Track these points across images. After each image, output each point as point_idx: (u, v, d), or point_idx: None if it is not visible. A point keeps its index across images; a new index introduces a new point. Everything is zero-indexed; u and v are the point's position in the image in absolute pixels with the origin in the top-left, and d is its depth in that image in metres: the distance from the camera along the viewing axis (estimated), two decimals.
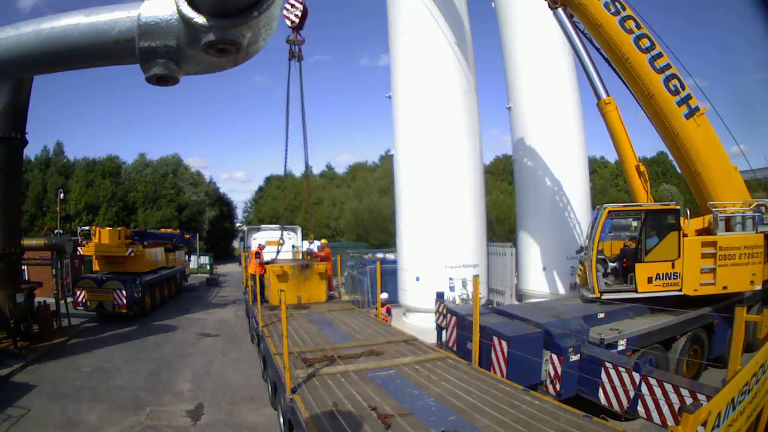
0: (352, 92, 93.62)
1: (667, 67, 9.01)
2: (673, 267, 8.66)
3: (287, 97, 12.96)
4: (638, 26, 9.08)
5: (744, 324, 4.79)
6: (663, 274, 8.68)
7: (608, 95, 9.77)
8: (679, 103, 8.95)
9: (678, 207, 8.96)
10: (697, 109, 8.98)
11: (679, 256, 8.66)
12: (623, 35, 9.02)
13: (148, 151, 45.99)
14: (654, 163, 39.32)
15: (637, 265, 8.77)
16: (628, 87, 9.73)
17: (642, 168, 9.67)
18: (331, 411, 4.98)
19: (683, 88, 9.00)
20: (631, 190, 9.92)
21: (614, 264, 9.48)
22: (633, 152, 9.73)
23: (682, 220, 8.84)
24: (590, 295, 9.02)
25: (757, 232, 8.92)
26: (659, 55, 9.02)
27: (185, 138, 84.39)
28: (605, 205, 9.17)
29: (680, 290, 8.65)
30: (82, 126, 68.07)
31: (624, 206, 9.62)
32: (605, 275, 9.26)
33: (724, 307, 8.81)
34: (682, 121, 8.96)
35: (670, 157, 12.39)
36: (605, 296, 8.74)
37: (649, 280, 8.70)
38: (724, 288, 8.71)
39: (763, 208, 9.23)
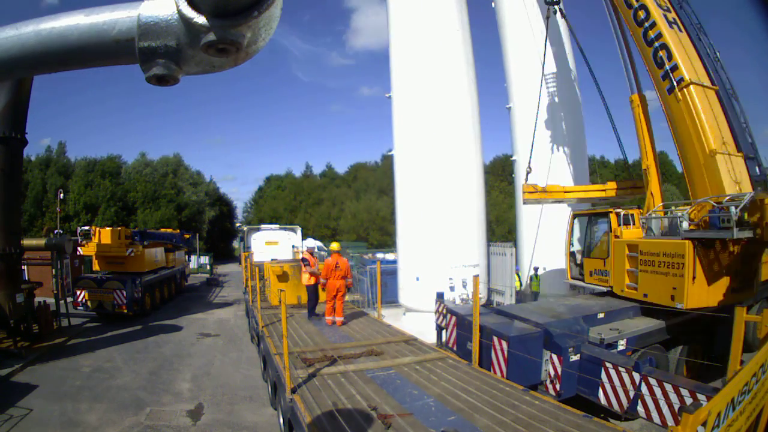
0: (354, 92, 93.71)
1: (658, 36, 8.40)
2: (604, 265, 9.58)
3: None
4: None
5: (744, 324, 4.79)
6: (597, 270, 9.91)
7: (638, 92, 10.09)
8: (663, 77, 8.41)
9: (610, 210, 9.72)
10: (681, 80, 8.00)
11: (608, 256, 9.42)
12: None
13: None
14: None
15: (585, 260, 10.43)
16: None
17: (644, 166, 9.89)
18: (331, 411, 4.98)
19: (670, 60, 8.19)
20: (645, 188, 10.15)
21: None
22: (645, 153, 9.86)
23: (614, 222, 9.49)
24: (564, 279, 11.46)
25: (681, 239, 7.57)
26: (653, 25, 8.53)
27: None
28: (571, 211, 11.37)
29: (610, 287, 9.33)
30: (83, 126, 68.12)
31: (584, 212, 11.29)
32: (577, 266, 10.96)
33: (724, 307, 8.83)
34: (666, 96, 8.44)
35: (670, 157, 12.52)
36: (572, 281, 11.11)
37: (591, 273, 10.09)
38: (645, 296, 8.15)
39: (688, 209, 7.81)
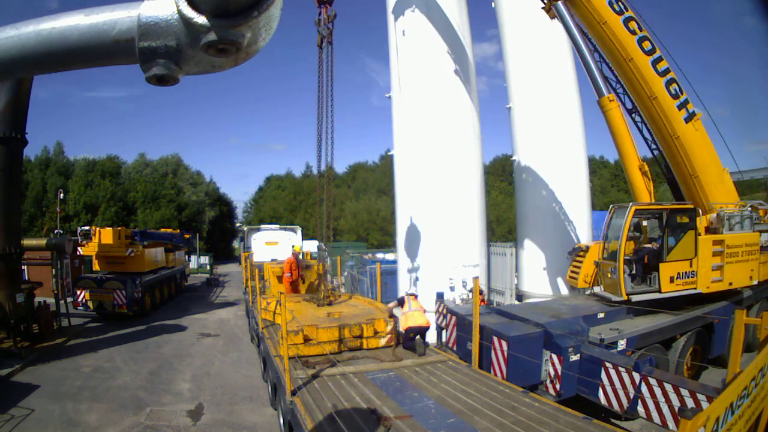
0: (352, 91, 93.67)
1: (667, 71, 9.04)
2: (691, 266, 8.79)
3: (319, 88, 10.71)
4: (640, 28, 9.03)
5: (744, 326, 4.78)
6: (682, 273, 8.73)
7: (610, 92, 9.61)
8: (679, 107, 9.00)
9: (694, 206, 9.07)
10: (694, 113, 9.13)
11: (695, 255, 8.78)
12: (627, 35, 8.88)
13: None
14: (653, 164, 39.34)
15: (662, 265, 8.61)
16: (624, 90, 9.74)
17: (645, 168, 9.63)
18: (331, 414, 4.97)
19: (682, 93, 9.09)
20: (632, 190, 9.86)
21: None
22: (636, 152, 9.67)
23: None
24: (616, 298, 8.62)
25: (753, 231, 9.54)
26: (660, 59, 9.02)
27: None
28: (631, 203, 8.89)
29: (696, 288, 8.80)
30: (84, 126, 68.28)
31: (648, 205, 9.29)
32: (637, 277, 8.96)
33: (724, 306, 8.87)
34: (682, 124, 9.01)
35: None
36: (634, 299, 8.44)
37: (671, 280, 8.67)
38: (730, 284, 9.10)
39: (750, 208, 9.83)
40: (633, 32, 8.94)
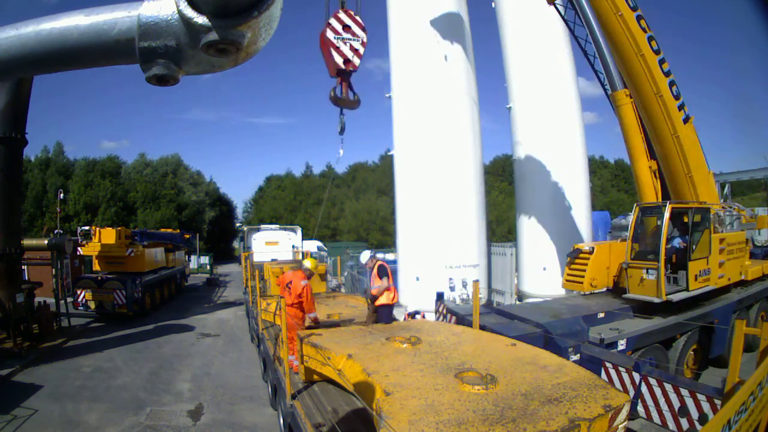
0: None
1: (669, 72, 9.19)
2: (707, 263, 9.01)
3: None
4: (647, 28, 9.14)
5: (743, 336, 4.73)
6: (702, 270, 8.92)
7: (624, 87, 9.84)
8: (679, 108, 9.20)
9: (709, 206, 9.26)
10: (689, 116, 9.38)
11: (710, 253, 9.01)
12: (640, 31, 8.94)
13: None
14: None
15: (690, 263, 8.61)
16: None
17: (654, 167, 9.71)
18: (332, 418, 4.97)
19: (679, 96, 9.30)
20: (639, 189, 10.02)
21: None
22: (646, 151, 9.76)
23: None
24: (658, 300, 8.33)
25: (740, 231, 10.18)
26: (664, 60, 9.16)
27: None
28: (668, 201, 8.75)
29: (710, 285, 9.07)
30: (83, 125, 68.38)
31: (684, 203, 9.22)
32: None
33: (723, 306, 8.87)
34: (681, 124, 9.18)
35: None
36: (675, 298, 8.29)
37: (695, 278, 8.74)
38: (729, 279, 9.59)
39: (734, 209, 10.54)
40: (644, 29, 9.00)
